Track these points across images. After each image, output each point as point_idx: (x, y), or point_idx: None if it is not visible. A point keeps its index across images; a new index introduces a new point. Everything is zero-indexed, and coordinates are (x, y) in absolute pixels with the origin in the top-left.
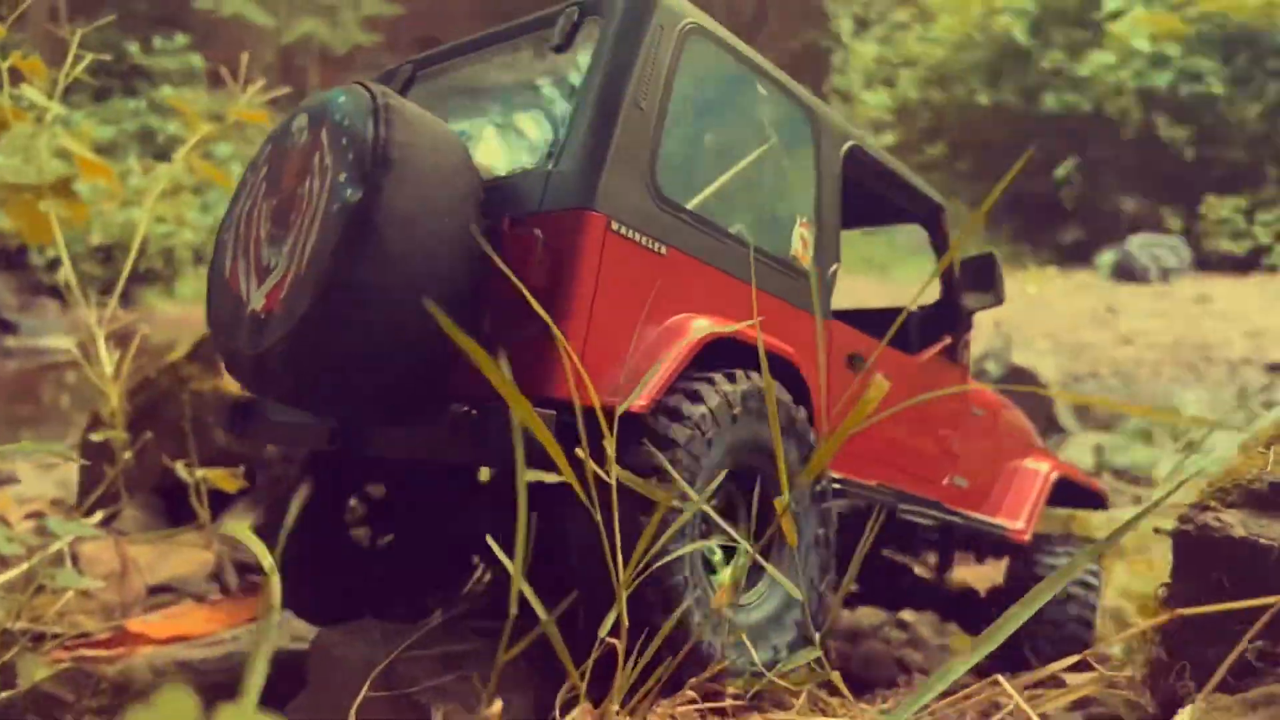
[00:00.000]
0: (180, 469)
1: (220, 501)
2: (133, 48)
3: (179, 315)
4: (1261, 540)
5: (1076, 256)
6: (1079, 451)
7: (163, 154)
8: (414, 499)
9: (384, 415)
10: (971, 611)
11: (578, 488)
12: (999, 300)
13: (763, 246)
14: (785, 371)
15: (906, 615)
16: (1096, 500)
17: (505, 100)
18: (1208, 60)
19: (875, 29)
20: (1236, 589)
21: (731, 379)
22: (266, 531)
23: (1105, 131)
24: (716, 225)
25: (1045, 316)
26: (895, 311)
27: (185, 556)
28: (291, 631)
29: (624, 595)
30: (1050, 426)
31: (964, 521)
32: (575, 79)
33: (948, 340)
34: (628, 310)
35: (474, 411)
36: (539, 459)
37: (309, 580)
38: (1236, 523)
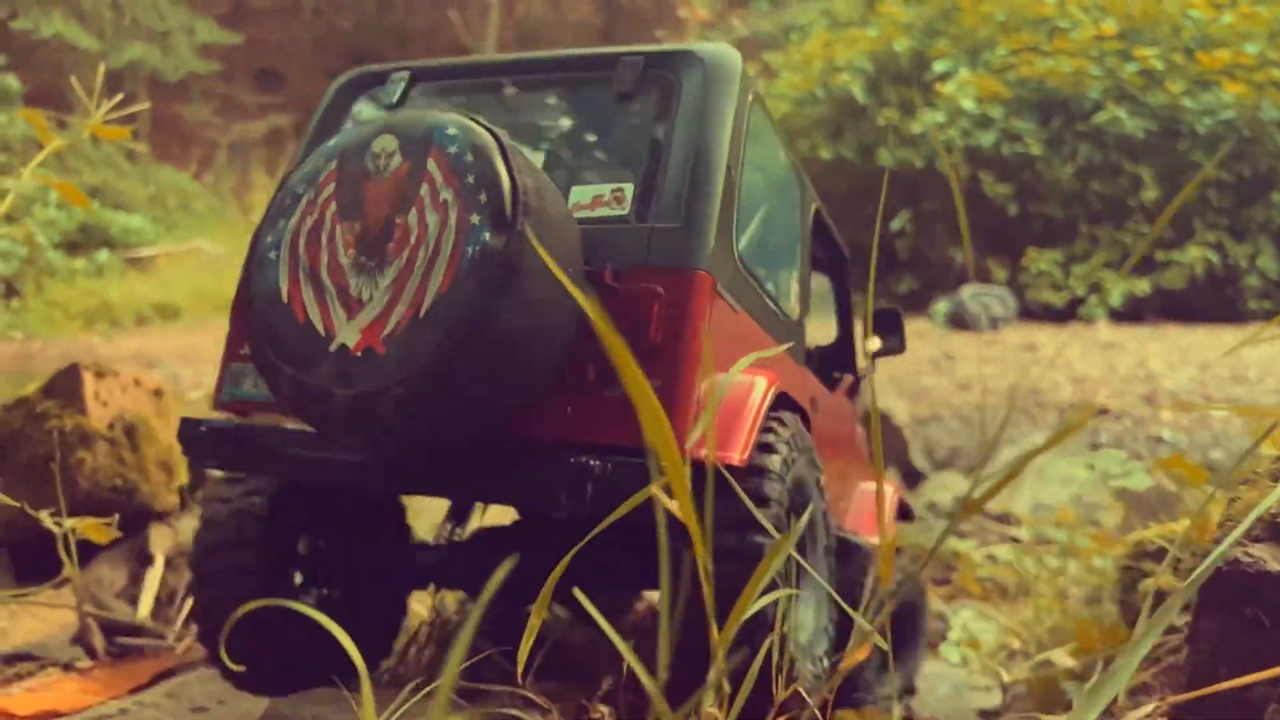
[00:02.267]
0: (45, 518)
1: (82, 555)
2: None
3: None
4: None
5: (912, 305)
6: (936, 491)
7: None
8: (358, 548)
9: (463, 459)
10: None
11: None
12: (902, 348)
13: (780, 303)
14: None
15: None
16: (908, 515)
17: (546, 137)
18: (1026, 122)
19: None
20: (1277, 625)
21: (783, 424)
22: (210, 574)
23: (936, 186)
24: (765, 287)
25: (888, 362)
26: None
27: (40, 618)
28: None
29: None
30: (902, 465)
31: (862, 546)
32: (647, 132)
33: (850, 380)
34: (717, 366)
35: (607, 465)
36: (639, 513)
37: (261, 643)
38: (1269, 557)
